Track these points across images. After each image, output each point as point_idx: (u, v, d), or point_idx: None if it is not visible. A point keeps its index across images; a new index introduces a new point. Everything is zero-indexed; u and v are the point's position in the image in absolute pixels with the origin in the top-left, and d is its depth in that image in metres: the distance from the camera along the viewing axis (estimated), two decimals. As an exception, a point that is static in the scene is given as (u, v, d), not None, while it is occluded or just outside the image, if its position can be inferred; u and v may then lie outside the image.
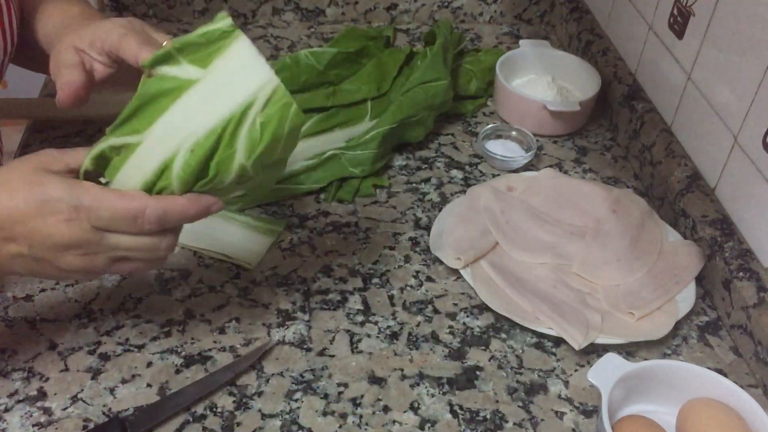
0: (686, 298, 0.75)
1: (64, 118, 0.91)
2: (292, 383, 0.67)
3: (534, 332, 0.72)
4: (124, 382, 0.66)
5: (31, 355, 0.67)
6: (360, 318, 0.73)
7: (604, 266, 0.77)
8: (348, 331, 0.72)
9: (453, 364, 0.69)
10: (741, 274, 0.73)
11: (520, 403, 0.66)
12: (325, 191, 0.87)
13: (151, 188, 0.55)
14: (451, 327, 0.73)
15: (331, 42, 1.06)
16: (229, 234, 0.80)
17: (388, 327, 0.72)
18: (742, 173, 0.76)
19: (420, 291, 0.76)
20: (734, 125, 0.77)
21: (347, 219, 0.84)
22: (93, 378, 0.66)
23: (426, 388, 0.67)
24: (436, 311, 0.74)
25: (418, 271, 0.79)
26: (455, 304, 0.75)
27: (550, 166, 0.94)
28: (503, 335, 0.72)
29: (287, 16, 1.20)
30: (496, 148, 0.94)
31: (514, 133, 0.96)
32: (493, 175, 0.92)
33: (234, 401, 0.65)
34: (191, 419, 0.63)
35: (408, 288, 0.77)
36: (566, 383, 0.68)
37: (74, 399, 0.64)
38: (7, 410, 0.63)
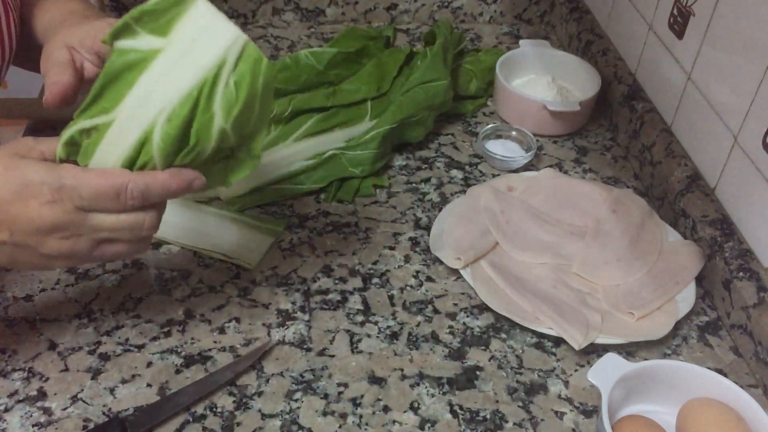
0: (686, 298, 0.75)
1: (64, 118, 0.91)
2: (292, 383, 0.67)
3: (534, 332, 0.72)
4: (124, 382, 0.66)
5: (31, 355, 0.67)
6: (360, 318, 0.73)
7: (604, 266, 0.77)
8: (348, 331, 0.72)
9: (453, 364, 0.69)
10: (741, 274, 0.73)
11: (520, 403, 0.66)
12: (325, 191, 0.87)
13: (132, 165, 0.55)
14: (451, 327, 0.73)
15: (331, 42, 1.06)
16: (229, 234, 0.80)
17: (388, 327, 0.72)
18: (742, 173, 0.76)
19: (420, 291, 0.76)
20: (734, 125, 0.77)
21: (347, 219, 0.84)
22: (93, 378, 0.66)
23: (426, 388, 0.67)
24: (436, 311, 0.74)
25: (418, 271, 0.79)
26: (455, 304, 0.75)
27: (550, 166, 0.94)
28: (503, 335, 0.72)
29: (287, 16, 1.20)
30: (496, 148, 0.94)
31: (514, 133, 0.96)
32: (493, 175, 0.92)
33: (234, 401, 0.65)
34: (191, 419, 0.63)
35: (408, 288, 0.77)
36: (566, 383, 0.68)
37: (74, 399, 0.64)
38: (7, 410, 0.63)
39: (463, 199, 0.85)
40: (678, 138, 0.89)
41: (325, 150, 0.87)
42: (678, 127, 0.90)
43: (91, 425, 0.62)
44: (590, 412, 0.66)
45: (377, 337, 0.71)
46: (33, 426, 0.61)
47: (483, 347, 0.71)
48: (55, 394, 0.64)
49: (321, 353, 0.69)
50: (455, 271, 0.78)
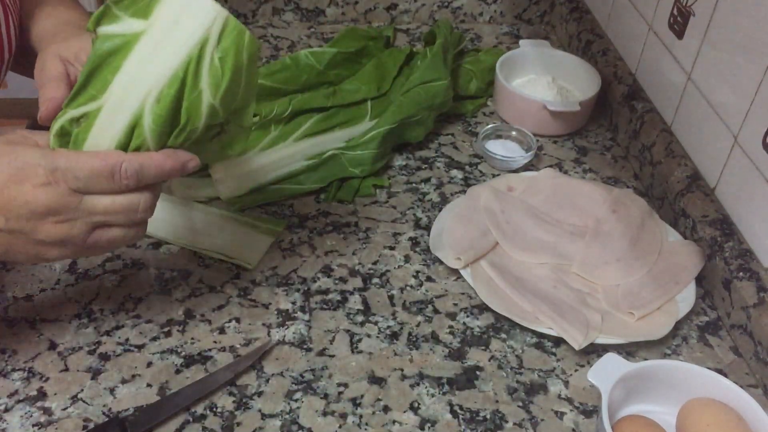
0: (686, 298, 0.75)
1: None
2: (292, 383, 0.67)
3: (534, 332, 0.72)
4: (124, 382, 0.66)
5: (31, 355, 0.67)
6: (360, 318, 0.73)
7: (604, 266, 0.77)
8: (348, 331, 0.72)
9: (453, 364, 0.69)
10: (741, 274, 0.73)
11: (520, 403, 0.66)
12: (325, 191, 0.87)
13: (124, 149, 0.55)
14: (451, 327, 0.73)
15: (331, 42, 1.06)
16: (229, 234, 0.80)
17: (388, 327, 0.72)
18: (742, 173, 0.76)
19: (420, 291, 0.76)
20: (734, 125, 0.77)
21: (347, 219, 0.84)
22: (93, 378, 0.66)
23: (426, 388, 0.67)
24: (436, 311, 0.74)
25: (418, 271, 0.79)
26: (455, 304, 0.75)
27: (550, 166, 0.94)
28: (503, 335, 0.72)
29: (287, 16, 1.20)
30: (496, 148, 0.94)
31: (514, 133, 0.96)
32: (493, 175, 0.92)
33: (234, 401, 0.65)
34: (191, 419, 0.63)
35: (408, 288, 0.77)
36: (566, 383, 0.68)
37: (74, 399, 0.64)
38: (7, 410, 0.63)
39: (463, 199, 0.85)
40: (678, 138, 0.89)
41: (325, 150, 0.87)
42: (678, 127, 0.90)
43: (91, 425, 0.62)
44: (590, 412, 0.66)
45: (377, 337, 0.71)
46: (33, 426, 0.61)
47: (483, 347, 0.71)
48: (55, 394, 0.64)
49: (321, 353, 0.69)
50: (455, 271, 0.78)
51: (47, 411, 0.63)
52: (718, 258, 0.76)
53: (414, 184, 0.90)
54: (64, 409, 0.63)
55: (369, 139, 0.88)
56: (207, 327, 0.71)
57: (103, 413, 0.63)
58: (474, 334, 0.72)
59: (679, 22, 0.88)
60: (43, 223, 0.53)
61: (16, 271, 0.75)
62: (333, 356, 0.69)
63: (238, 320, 0.72)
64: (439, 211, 0.84)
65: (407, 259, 0.80)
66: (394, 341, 0.71)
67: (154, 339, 0.69)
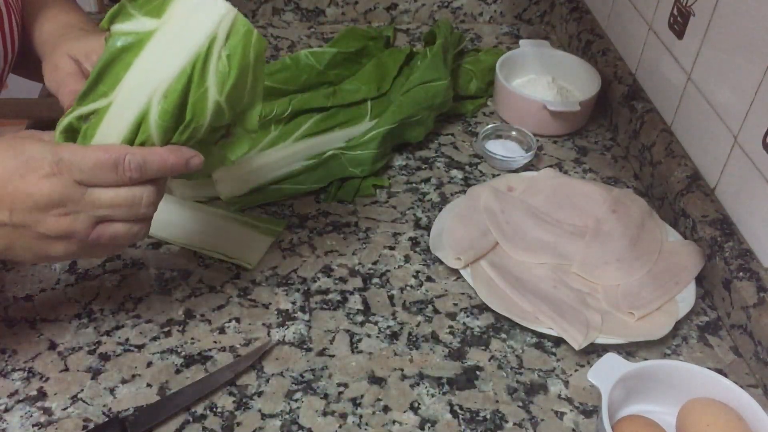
0: (686, 298, 0.75)
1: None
2: (292, 383, 0.67)
3: (534, 332, 0.72)
4: (124, 382, 0.66)
5: (31, 355, 0.67)
6: (360, 318, 0.73)
7: (604, 266, 0.77)
8: (348, 331, 0.72)
9: (453, 364, 0.69)
10: (741, 274, 0.73)
11: (520, 403, 0.66)
12: (325, 191, 0.87)
13: (130, 144, 0.55)
14: (451, 327, 0.73)
15: (331, 42, 1.06)
16: (229, 234, 0.80)
17: (388, 327, 0.72)
18: (742, 173, 0.76)
19: (420, 291, 0.76)
20: (734, 125, 0.77)
21: (347, 219, 0.84)
22: (93, 378, 0.66)
23: (426, 388, 0.67)
24: (436, 311, 0.74)
25: (418, 271, 0.79)
26: (455, 304, 0.75)
27: (550, 166, 0.94)
28: (503, 335, 0.72)
29: (287, 16, 1.20)
30: (496, 148, 0.94)
31: (514, 133, 0.96)
32: (493, 175, 0.92)
33: (234, 401, 0.65)
34: (191, 419, 0.63)
35: (408, 288, 0.77)
36: (566, 383, 0.68)
37: (74, 399, 0.64)
38: (7, 410, 0.63)
39: (463, 199, 0.85)
40: (678, 138, 0.89)
41: (325, 150, 0.87)
42: (678, 127, 0.90)
43: (91, 425, 0.62)
44: (590, 412, 0.66)
45: (377, 337, 0.71)
46: (33, 426, 0.61)
47: (483, 347, 0.71)
48: (55, 394, 0.64)
49: (321, 353, 0.69)
50: (455, 271, 0.78)
51: (47, 411, 0.63)
52: (718, 258, 0.76)
53: (414, 184, 0.90)
54: (64, 409, 0.63)
55: (369, 139, 0.88)
56: (207, 327, 0.71)
57: (103, 413, 0.63)
58: (474, 334, 0.72)
59: (679, 22, 0.88)
60: (47, 216, 0.53)
61: (16, 271, 0.75)
62: (333, 356, 0.69)
63: (238, 320, 0.72)
64: (439, 211, 0.84)
65: (407, 259, 0.80)
66: (394, 341, 0.71)
67: (154, 339, 0.69)
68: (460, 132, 1.00)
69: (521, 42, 1.08)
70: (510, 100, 1.00)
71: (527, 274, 0.77)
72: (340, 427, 0.63)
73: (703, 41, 0.83)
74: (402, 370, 0.68)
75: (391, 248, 0.81)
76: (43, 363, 0.67)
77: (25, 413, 0.62)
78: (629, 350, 0.72)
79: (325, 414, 0.64)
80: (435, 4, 1.22)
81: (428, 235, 0.82)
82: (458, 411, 0.65)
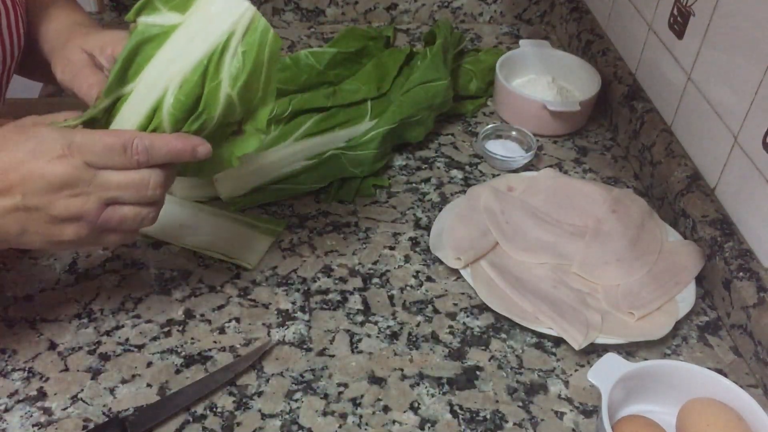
0: (686, 298, 0.75)
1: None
2: (292, 383, 0.67)
3: (534, 332, 0.72)
4: (124, 382, 0.66)
5: (31, 355, 0.67)
6: (360, 318, 0.73)
7: (604, 266, 0.77)
8: (348, 331, 0.72)
9: (453, 364, 0.69)
10: (741, 274, 0.73)
11: (520, 403, 0.66)
12: (325, 191, 0.87)
13: (143, 130, 0.58)
14: (451, 327, 0.73)
15: (331, 42, 1.06)
16: (229, 234, 0.80)
17: (388, 327, 0.72)
18: (742, 173, 0.76)
19: (420, 291, 0.76)
20: (734, 125, 0.77)
21: (347, 219, 0.84)
22: (93, 378, 0.66)
23: (426, 388, 0.67)
24: (436, 311, 0.74)
25: (418, 271, 0.79)
26: (455, 304, 0.75)
27: (550, 166, 0.94)
28: (503, 335, 0.72)
29: (287, 16, 1.20)
30: (496, 148, 0.94)
31: (514, 133, 0.96)
32: (493, 175, 0.92)
33: (234, 401, 0.65)
34: (191, 419, 0.63)
35: (408, 288, 0.77)
36: (566, 383, 0.68)
37: (74, 399, 0.64)
38: (7, 410, 0.63)
39: (463, 199, 0.85)
40: (678, 138, 0.89)
41: (325, 150, 0.87)
42: (678, 127, 0.90)
43: (91, 425, 0.62)
44: (590, 412, 0.66)
45: (377, 337, 0.71)
46: (33, 426, 0.61)
47: (483, 347, 0.71)
48: (55, 394, 0.64)
49: (321, 353, 0.69)
50: (455, 271, 0.78)
51: (47, 411, 0.63)
52: (718, 258, 0.76)
53: (414, 184, 0.90)
54: (64, 409, 0.63)
55: (369, 139, 0.88)
56: (207, 327, 0.71)
57: (103, 413, 0.63)
58: (474, 334, 0.72)
59: (679, 22, 0.88)
60: (59, 197, 0.55)
61: (16, 271, 0.75)
62: (333, 356, 0.69)
63: (238, 320, 0.72)
64: (439, 211, 0.84)
65: (407, 259, 0.80)
66: (394, 341, 0.71)
67: (154, 339, 0.69)
68: (460, 132, 1.00)
69: (521, 42, 1.08)
70: (510, 100, 1.00)
71: (527, 274, 0.77)
72: (340, 427, 0.63)
73: (703, 41, 0.83)
74: (402, 370, 0.68)
75: (391, 248, 0.81)
76: (43, 363, 0.67)
77: (25, 413, 0.62)
78: (629, 350, 0.72)
79: (325, 414, 0.64)
80: (435, 4, 1.22)
81: (428, 235, 0.82)
82: (458, 411, 0.65)
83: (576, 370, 0.70)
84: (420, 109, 0.92)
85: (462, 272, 0.76)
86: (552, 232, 0.81)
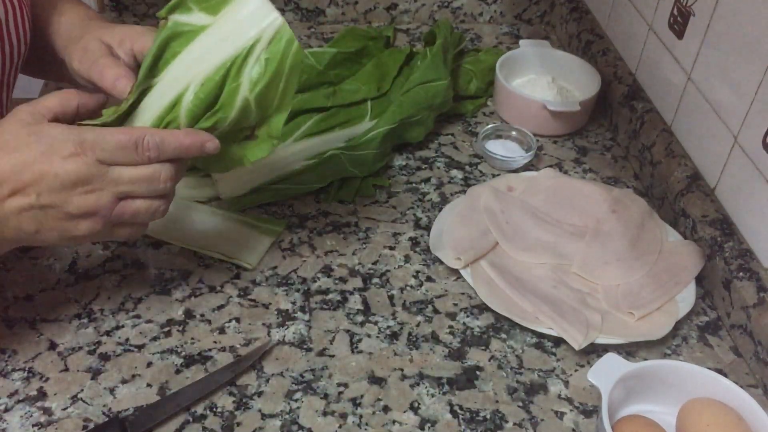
0: (686, 298, 0.75)
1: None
2: (292, 383, 0.67)
3: (534, 332, 0.72)
4: (124, 382, 0.66)
5: (31, 355, 0.67)
6: (360, 318, 0.73)
7: (604, 266, 0.77)
8: (348, 331, 0.72)
9: (453, 364, 0.69)
10: (741, 274, 0.73)
11: (520, 403, 0.66)
12: (325, 191, 0.87)
13: (159, 124, 0.59)
14: (451, 327, 0.73)
15: (331, 42, 1.06)
16: (229, 234, 0.80)
17: (388, 327, 0.72)
18: (742, 173, 0.76)
19: (420, 291, 0.76)
20: (734, 125, 0.77)
21: (347, 219, 0.84)
22: (93, 378, 0.66)
23: (426, 388, 0.67)
24: (436, 311, 0.74)
25: (418, 271, 0.79)
26: (455, 304, 0.75)
27: (550, 166, 0.94)
28: (503, 335, 0.72)
29: (287, 16, 1.20)
30: (496, 148, 0.94)
31: (514, 133, 0.96)
32: (493, 175, 0.92)
33: (234, 401, 0.65)
34: (191, 419, 0.63)
35: (408, 288, 0.77)
36: (566, 383, 0.68)
37: (74, 399, 0.64)
38: (7, 410, 0.63)
39: (463, 199, 0.85)
40: (678, 138, 0.89)
41: (325, 150, 0.87)
42: (678, 127, 0.90)
43: (91, 425, 0.62)
44: (590, 412, 0.66)
45: (377, 337, 0.71)
46: (33, 426, 0.61)
47: (483, 347, 0.71)
48: (55, 394, 0.64)
49: (321, 353, 0.69)
50: (455, 271, 0.78)
51: (47, 411, 0.63)
52: (718, 258, 0.76)
53: (414, 184, 0.90)
54: (64, 409, 0.63)
55: (369, 139, 0.88)
56: (207, 327, 0.71)
57: (103, 413, 0.63)
58: (474, 334, 0.72)
59: (679, 22, 0.88)
60: (73, 194, 0.56)
61: (16, 271, 0.75)
62: (333, 356, 0.69)
63: (238, 320, 0.72)
64: (439, 211, 0.84)
65: (407, 259, 0.80)
66: (394, 341, 0.71)
67: (154, 339, 0.69)
68: (460, 132, 1.00)
69: (521, 42, 1.08)
70: (510, 100, 1.00)
71: (527, 274, 0.77)
72: (340, 427, 0.63)
73: (703, 41, 0.83)
74: (402, 370, 0.68)
75: (391, 248, 0.81)
76: (43, 363, 0.67)
77: (25, 413, 0.62)
78: (629, 350, 0.72)
79: (325, 414, 0.64)
80: (435, 4, 1.22)
81: (428, 235, 0.82)
82: (458, 411, 0.65)
83: (576, 370, 0.70)
84: (420, 109, 0.92)
85: (462, 272, 0.76)
86: (552, 232, 0.81)
